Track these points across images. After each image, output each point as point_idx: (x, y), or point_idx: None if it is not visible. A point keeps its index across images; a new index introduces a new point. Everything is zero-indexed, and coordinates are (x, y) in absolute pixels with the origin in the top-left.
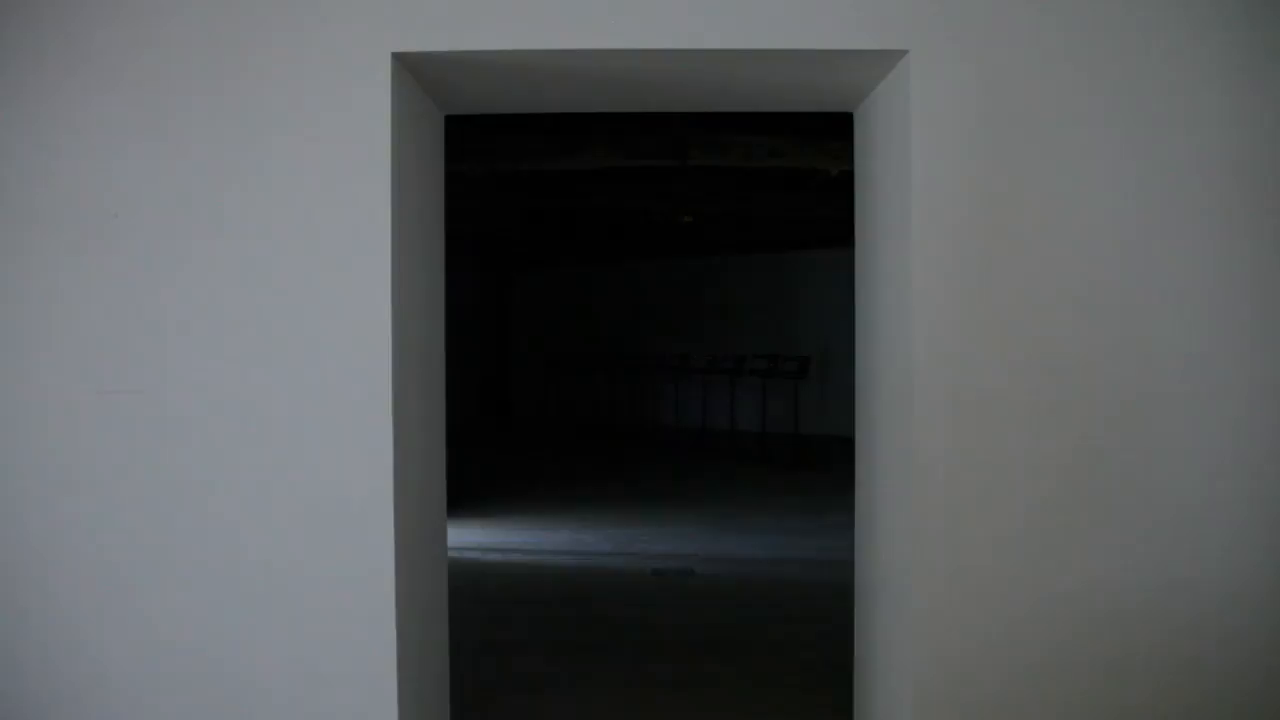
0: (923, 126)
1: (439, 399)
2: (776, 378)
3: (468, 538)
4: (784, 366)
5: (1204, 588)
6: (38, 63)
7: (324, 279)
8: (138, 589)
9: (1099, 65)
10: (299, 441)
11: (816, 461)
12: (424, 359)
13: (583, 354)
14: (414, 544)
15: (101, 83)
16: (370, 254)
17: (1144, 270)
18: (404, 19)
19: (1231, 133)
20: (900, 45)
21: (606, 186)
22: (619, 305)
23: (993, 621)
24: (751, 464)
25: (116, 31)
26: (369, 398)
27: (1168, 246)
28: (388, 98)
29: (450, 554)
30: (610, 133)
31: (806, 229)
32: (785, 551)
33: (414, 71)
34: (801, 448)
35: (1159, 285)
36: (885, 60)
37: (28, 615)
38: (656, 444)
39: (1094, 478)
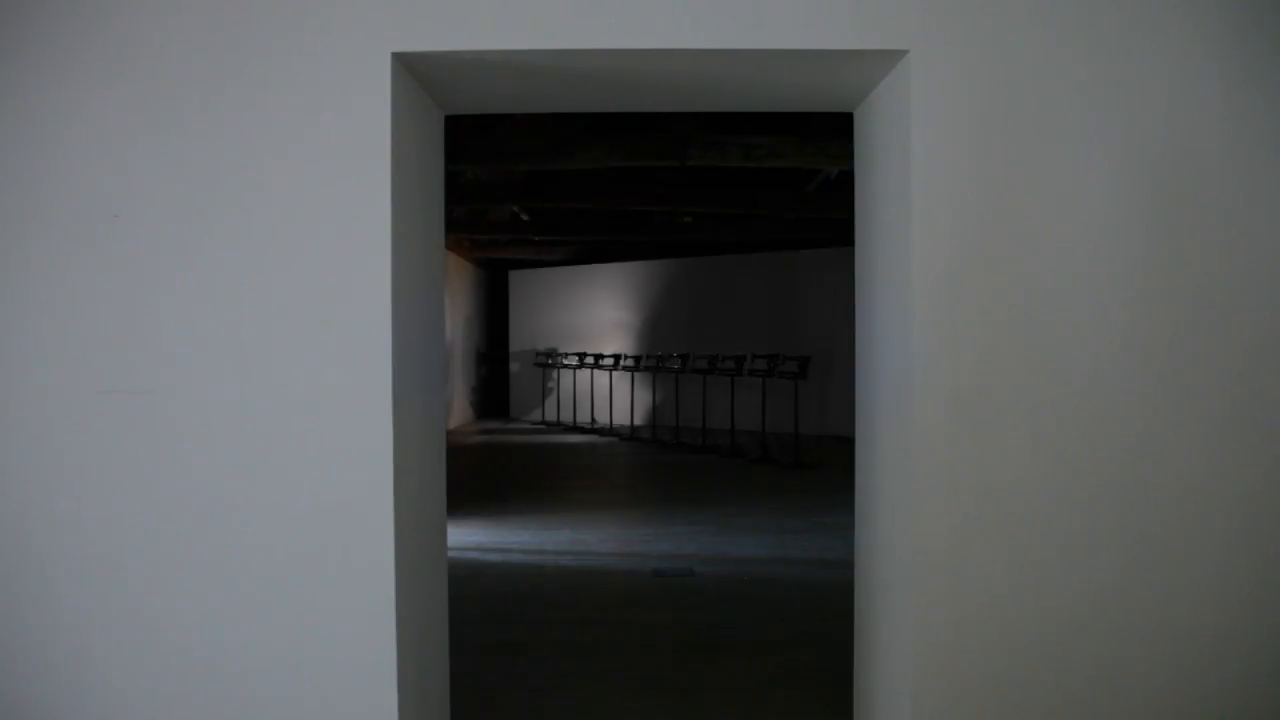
0: (923, 126)
1: (439, 399)
2: (776, 378)
3: (468, 538)
4: (784, 366)
5: (1205, 588)
6: (38, 61)
7: (324, 278)
8: (138, 589)
9: (1099, 64)
10: (299, 441)
11: (816, 461)
12: (424, 359)
13: (582, 354)
14: (414, 544)
15: (102, 82)
16: (370, 254)
17: (1144, 268)
18: (404, 19)
19: (1231, 130)
20: (900, 45)
21: (606, 186)
22: (619, 305)
23: (993, 621)
24: (751, 464)
25: (116, 30)
26: (369, 398)
27: (1168, 245)
28: (388, 97)
29: (450, 554)
30: (610, 133)
31: (806, 229)
32: (785, 551)
33: (414, 71)
34: (801, 448)
35: (1160, 283)
36: (885, 60)
37: (28, 615)
38: (657, 444)
39: (1095, 476)
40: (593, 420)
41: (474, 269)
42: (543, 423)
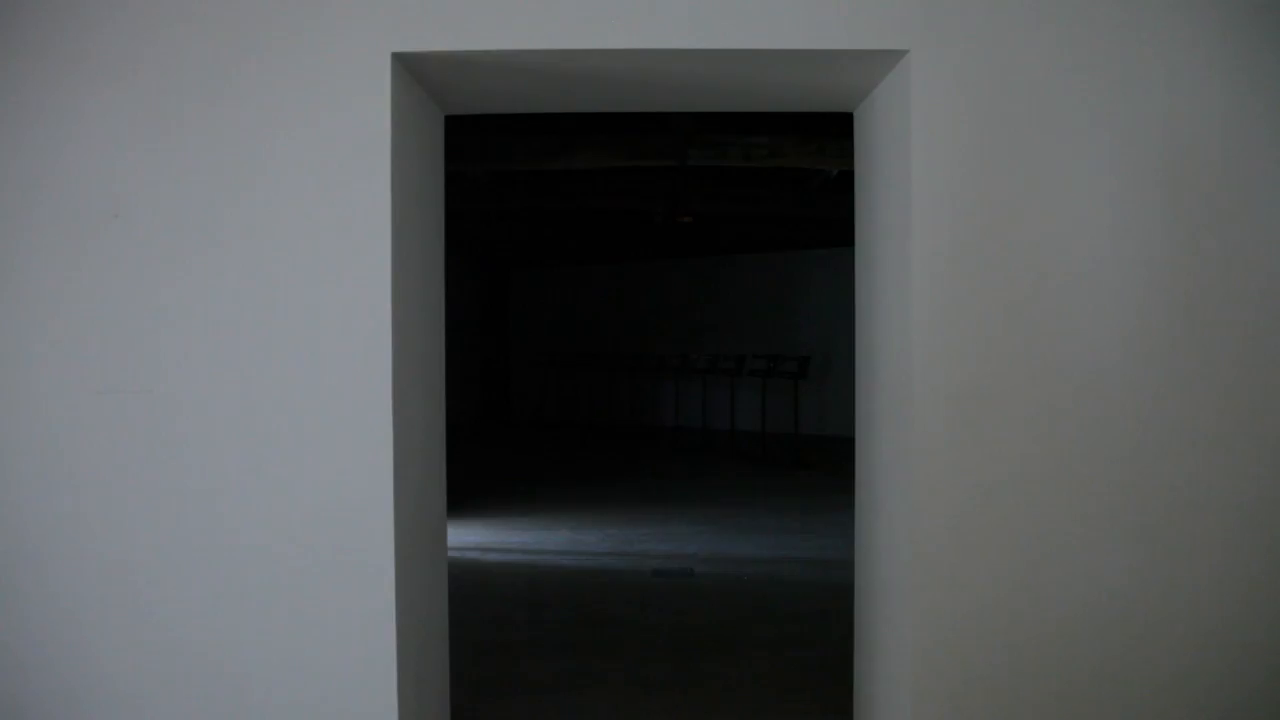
0: (923, 126)
1: (439, 399)
2: (776, 378)
3: (468, 538)
4: (784, 366)
5: (1204, 587)
6: (39, 62)
7: (324, 279)
8: (138, 588)
9: (1098, 64)
10: (299, 441)
11: (816, 461)
12: (424, 359)
13: (583, 354)
14: (414, 544)
15: (102, 82)
16: (370, 254)
17: (1144, 267)
18: (404, 19)
19: (1231, 130)
20: (900, 45)
21: (607, 186)
22: (619, 305)
23: (993, 621)
24: (751, 464)
25: (117, 31)
26: (369, 398)
27: (1168, 243)
28: (388, 98)
29: (450, 554)
30: (610, 133)
31: (806, 229)
32: (785, 551)
33: (414, 71)
34: (801, 448)
35: (1160, 284)
36: (885, 60)
37: (28, 615)
38: (657, 444)
39: (1094, 476)
40: (592, 420)
41: (474, 269)
42: (543, 423)
